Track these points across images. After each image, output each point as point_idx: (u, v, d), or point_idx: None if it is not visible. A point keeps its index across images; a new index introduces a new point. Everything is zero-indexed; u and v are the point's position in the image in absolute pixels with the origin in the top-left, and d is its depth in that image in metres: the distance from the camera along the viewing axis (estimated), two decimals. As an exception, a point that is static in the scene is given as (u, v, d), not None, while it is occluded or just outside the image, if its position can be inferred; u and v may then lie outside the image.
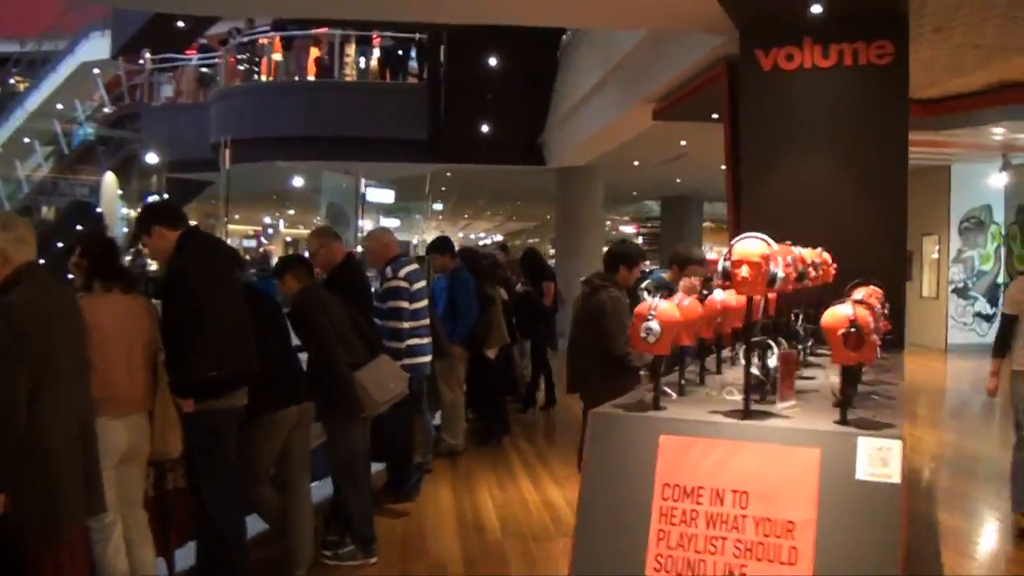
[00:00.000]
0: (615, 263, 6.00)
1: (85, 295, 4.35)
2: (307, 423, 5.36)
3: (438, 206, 27.06)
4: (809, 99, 7.19)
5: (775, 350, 3.83)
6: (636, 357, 5.57)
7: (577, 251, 18.63)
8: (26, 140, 24.59)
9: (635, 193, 26.30)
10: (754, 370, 3.66)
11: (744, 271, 3.67)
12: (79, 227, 19.31)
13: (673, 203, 26.17)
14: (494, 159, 18.53)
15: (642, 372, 5.67)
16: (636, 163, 18.39)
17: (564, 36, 16.39)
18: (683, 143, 15.60)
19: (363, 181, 20.00)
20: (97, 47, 23.98)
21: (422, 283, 6.98)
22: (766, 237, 3.91)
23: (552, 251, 37.90)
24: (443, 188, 23.36)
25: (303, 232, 40.24)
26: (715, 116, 11.17)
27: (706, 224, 27.85)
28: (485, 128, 17.27)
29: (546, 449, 8.99)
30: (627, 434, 3.40)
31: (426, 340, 6.96)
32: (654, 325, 3.48)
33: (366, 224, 21.59)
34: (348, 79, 19.16)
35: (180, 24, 21.16)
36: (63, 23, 25.05)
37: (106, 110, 23.80)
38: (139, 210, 21.12)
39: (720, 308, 4.09)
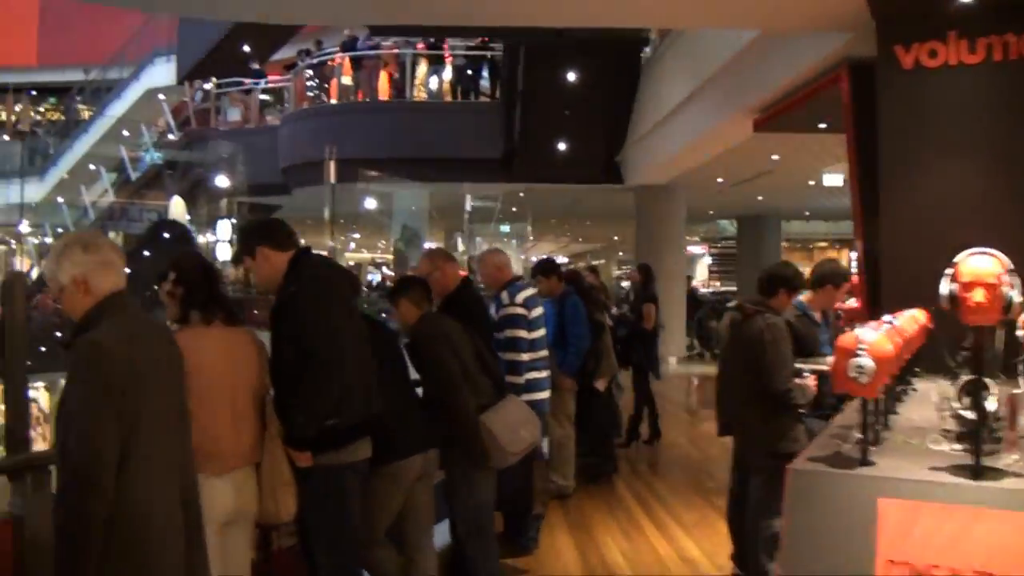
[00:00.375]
0: (774, 287, 5.15)
1: (181, 329, 3.68)
2: (431, 473, 4.65)
3: (505, 228, 26.39)
4: (955, 99, 6.48)
5: (993, 391, 3.14)
6: (799, 394, 4.84)
7: (656, 272, 17.80)
8: (91, 167, 24.58)
9: (711, 212, 25.49)
10: (966, 414, 2.98)
11: (979, 295, 3.09)
12: (146, 253, 19.03)
13: (750, 222, 25.24)
14: (570, 177, 17.85)
15: (802, 411, 4.98)
16: (720, 180, 17.61)
17: (645, 50, 15.72)
18: (774, 157, 14.85)
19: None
20: (162, 73, 23.93)
21: (540, 310, 6.24)
22: (998, 252, 3.29)
23: (617, 272, 37.49)
24: (514, 208, 22.77)
25: (366, 256, 40.01)
26: (822, 125, 10.52)
27: (784, 244, 26.98)
28: (561, 146, 16.60)
29: (662, 489, 8.20)
30: (837, 496, 2.86)
31: (544, 374, 6.22)
32: (866, 362, 2.84)
33: (430, 246, 21.11)
34: (418, 99, 18.72)
35: (246, 48, 20.87)
36: (128, 50, 25.15)
37: (172, 136, 23.69)
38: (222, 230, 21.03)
39: (907, 338, 3.46)
